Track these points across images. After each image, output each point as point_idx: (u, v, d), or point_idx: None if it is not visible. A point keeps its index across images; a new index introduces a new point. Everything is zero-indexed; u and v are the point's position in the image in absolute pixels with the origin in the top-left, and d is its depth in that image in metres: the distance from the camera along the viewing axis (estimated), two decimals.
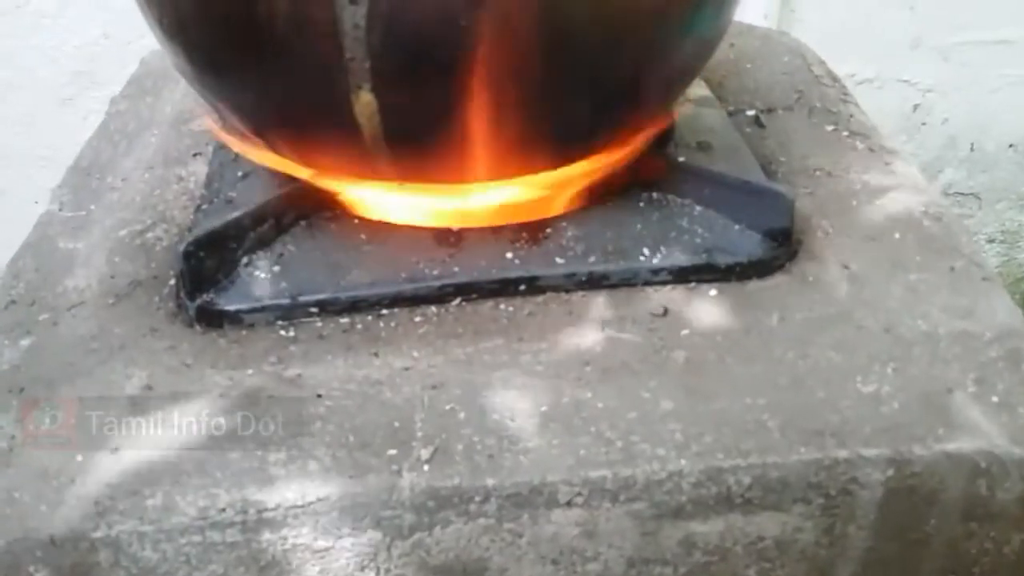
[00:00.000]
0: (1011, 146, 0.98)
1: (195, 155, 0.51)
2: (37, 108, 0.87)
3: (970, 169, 1.00)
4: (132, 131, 0.54)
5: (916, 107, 0.97)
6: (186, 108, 0.54)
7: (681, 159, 0.42)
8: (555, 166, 0.40)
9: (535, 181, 0.41)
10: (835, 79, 0.57)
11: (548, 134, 0.38)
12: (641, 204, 0.43)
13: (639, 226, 0.42)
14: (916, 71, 0.94)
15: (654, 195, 0.43)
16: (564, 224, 0.42)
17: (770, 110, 0.53)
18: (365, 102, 0.34)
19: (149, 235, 0.45)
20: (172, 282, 0.42)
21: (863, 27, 0.91)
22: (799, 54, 0.59)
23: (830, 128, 0.52)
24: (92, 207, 0.47)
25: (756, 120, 0.52)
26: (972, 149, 0.99)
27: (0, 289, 0.43)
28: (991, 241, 1.05)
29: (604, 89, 0.37)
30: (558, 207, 0.42)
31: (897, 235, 0.43)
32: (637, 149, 0.41)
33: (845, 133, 0.51)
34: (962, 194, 1.03)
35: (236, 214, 0.40)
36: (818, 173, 0.48)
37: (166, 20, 0.38)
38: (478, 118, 0.35)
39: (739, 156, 0.45)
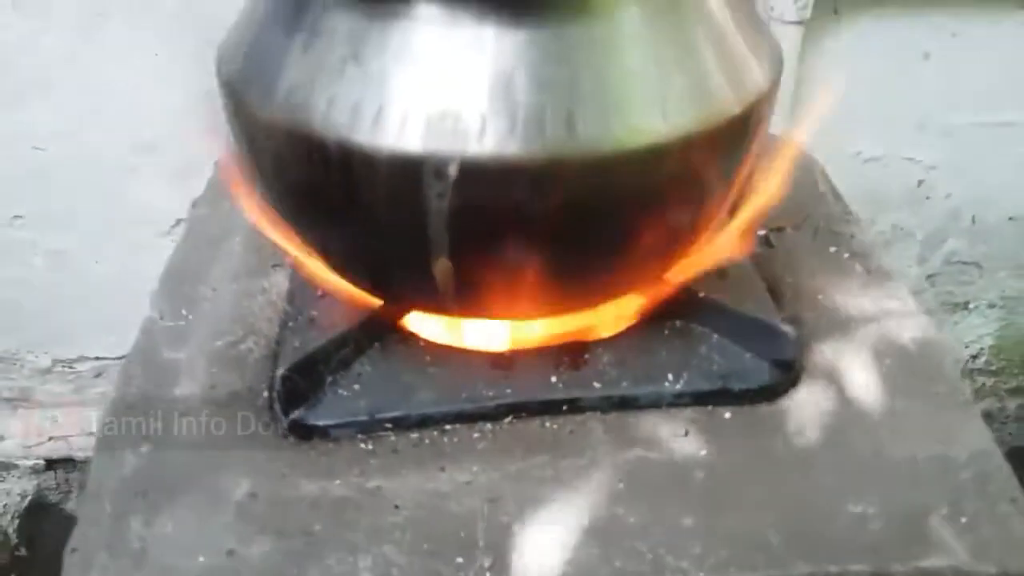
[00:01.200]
0: (1011, 219, 1.04)
1: (274, 266, 0.58)
2: (101, 176, 0.94)
3: (971, 240, 1.05)
4: (215, 237, 0.61)
5: (921, 183, 1.03)
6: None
7: (701, 294, 0.49)
8: (595, 306, 0.48)
9: (578, 316, 0.48)
10: (838, 196, 0.64)
11: (590, 285, 0.46)
12: (666, 331, 0.50)
13: (664, 353, 0.49)
14: (921, 150, 0.99)
15: (677, 323, 0.50)
16: (601, 350, 0.49)
17: (779, 229, 0.60)
18: (442, 266, 0.42)
19: (242, 347, 0.52)
20: (265, 394, 0.49)
21: (872, 110, 0.96)
22: (808, 168, 0.66)
23: (832, 249, 0.59)
24: (189, 316, 0.54)
25: (766, 240, 0.58)
26: (974, 221, 1.05)
27: (116, 394, 0.50)
28: (991, 307, 1.11)
29: (638, 253, 0.44)
30: (596, 334, 0.49)
31: (888, 361, 0.50)
32: (666, 288, 0.49)
33: (846, 255, 0.58)
34: (964, 263, 1.08)
35: (322, 342, 0.47)
36: (820, 297, 0.55)
37: (263, 179, 0.45)
38: (535, 276, 0.42)
39: (751, 284, 0.52)
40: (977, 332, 1.12)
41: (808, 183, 0.65)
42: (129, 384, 0.50)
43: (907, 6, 0.92)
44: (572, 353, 0.49)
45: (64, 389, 1.08)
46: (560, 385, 0.47)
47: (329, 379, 0.48)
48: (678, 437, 0.46)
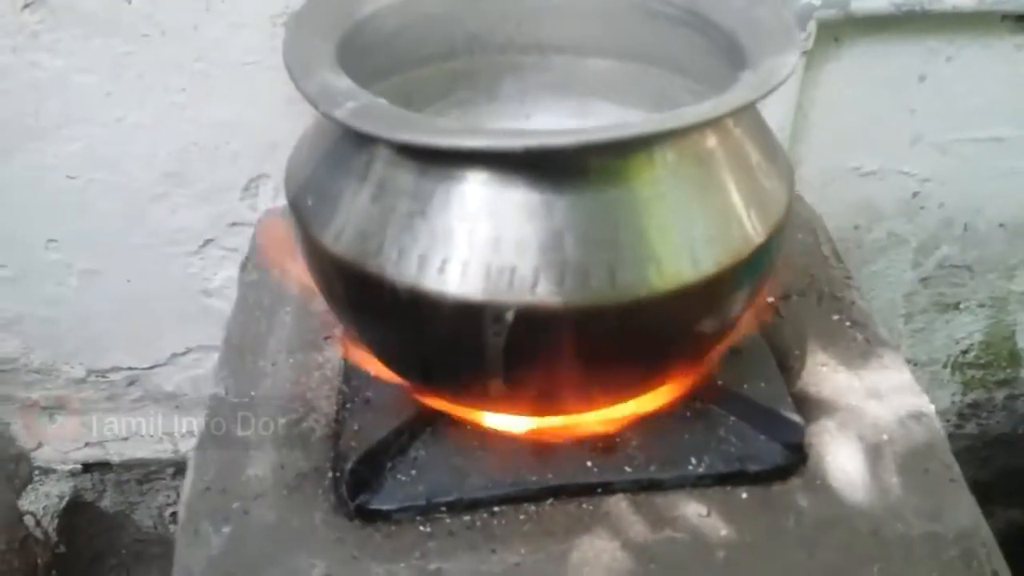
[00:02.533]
0: (1001, 225, 1.09)
1: (326, 338, 0.64)
2: (132, 203, 0.98)
3: (963, 246, 1.11)
4: (268, 306, 0.67)
5: (915, 194, 1.08)
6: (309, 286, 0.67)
7: (720, 381, 0.55)
8: (627, 400, 0.54)
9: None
10: (840, 259, 0.69)
11: (625, 392, 0.51)
12: (688, 415, 0.56)
13: (687, 436, 0.55)
14: (916, 164, 1.04)
15: (697, 405, 0.56)
16: (630, 435, 0.55)
17: (786, 296, 0.65)
18: (495, 384, 0.47)
19: (304, 425, 0.58)
20: (330, 475, 0.55)
21: (869, 128, 1.01)
22: (811, 229, 0.71)
23: (835, 317, 0.64)
24: (252, 393, 0.60)
25: (775, 310, 0.64)
26: (966, 229, 1.10)
27: (195, 474, 0.56)
28: (981, 306, 1.17)
29: (669, 365, 0.50)
30: (625, 421, 0.55)
31: (885, 436, 0.56)
32: (690, 378, 0.55)
33: (848, 323, 0.64)
34: (956, 266, 1.14)
35: (383, 433, 0.53)
36: (824, 368, 0.61)
37: (326, 289, 0.50)
38: (577, 390, 0.48)
39: (762, 361, 0.58)
40: (967, 329, 1.18)
41: (812, 245, 0.70)
42: (206, 465, 0.56)
43: (904, 32, 0.96)
44: (605, 440, 0.54)
45: (98, 397, 1.14)
46: (595, 469, 0.53)
47: (389, 465, 0.53)
48: (701, 517, 0.52)
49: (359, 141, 0.45)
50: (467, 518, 0.52)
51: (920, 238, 1.12)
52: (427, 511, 0.52)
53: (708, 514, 0.52)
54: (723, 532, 0.51)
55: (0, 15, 0.84)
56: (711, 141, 0.45)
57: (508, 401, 0.51)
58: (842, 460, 0.55)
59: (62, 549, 1.15)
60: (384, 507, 0.52)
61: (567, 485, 0.53)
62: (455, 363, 0.48)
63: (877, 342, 0.62)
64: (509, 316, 0.43)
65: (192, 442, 1.11)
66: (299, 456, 0.56)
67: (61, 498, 1.16)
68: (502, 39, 0.61)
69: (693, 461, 0.54)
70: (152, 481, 1.22)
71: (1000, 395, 1.24)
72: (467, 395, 0.52)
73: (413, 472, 0.53)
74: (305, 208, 0.48)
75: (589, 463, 0.54)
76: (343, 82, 0.44)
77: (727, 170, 0.46)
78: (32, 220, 1.00)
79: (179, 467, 1.19)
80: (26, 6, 0.86)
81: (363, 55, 0.53)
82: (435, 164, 0.44)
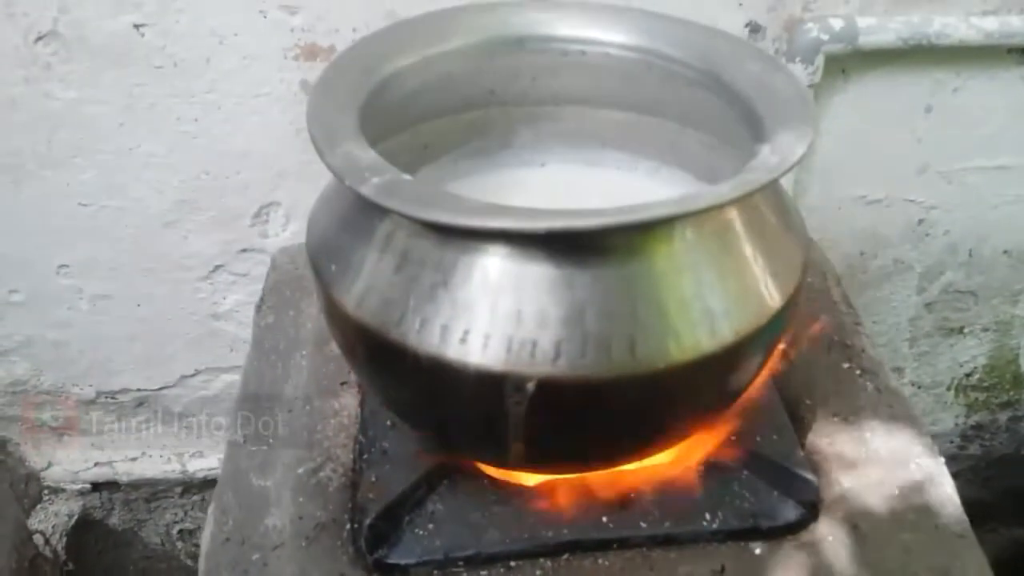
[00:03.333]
0: (1006, 252, 1.11)
1: (343, 384, 0.64)
2: (143, 230, 0.99)
3: (968, 271, 1.12)
4: (284, 351, 0.68)
5: (921, 221, 1.09)
6: (324, 328, 0.67)
7: (733, 436, 0.56)
8: (643, 459, 0.55)
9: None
10: (850, 305, 0.70)
11: (642, 452, 0.52)
12: (702, 469, 0.57)
13: (701, 491, 0.56)
14: (922, 192, 1.05)
15: (711, 460, 0.57)
16: (645, 491, 0.56)
17: (796, 343, 0.66)
18: (516, 449, 0.48)
19: (321, 474, 0.59)
20: (347, 526, 0.56)
21: (875, 157, 1.02)
22: (820, 272, 0.72)
23: (845, 366, 0.65)
24: (270, 440, 0.61)
25: (786, 356, 0.65)
26: (970, 255, 1.11)
27: (215, 525, 0.57)
28: (985, 330, 1.18)
29: (687, 426, 0.51)
30: (641, 477, 0.56)
31: (896, 491, 0.57)
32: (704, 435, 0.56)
33: (858, 372, 0.65)
34: (960, 292, 1.15)
35: (400, 488, 0.54)
36: (835, 419, 0.61)
37: (345, 348, 0.51)
38: (595, 453, 0.49)
39: (774, 414, 0.59)
40: (971, 353, 1.19)
41: (821, 289, 0.71)
42: (225, 515, 0.56)
43: (911, 64, 0.97)
44: (621, 495, 0.55)
45: (107, 418, 1.15)
46: (610, 525, 0.54)
47: (407, 518, 0.54)
48: (715, 573, 0.53)
49: (383, 211, 0.46)
50: (484, 573, 0.53)
51: (925, 264, 1.13)
52: (445, 565, 0.53)
53: (722, 570, 0.53)
54: None
55: (14, 47, 0.85)
56: (729, 214, 0.46)
57: (527, 463, 0.51)
58: (854, 516, 0.56)
59: (71, 567, 1.16)
60: (403, 562, 0.53)
61: (583, 540, 0.54)
62: (475, 428, 0.49)
63: (887, 392, 0.63)
64: (530, 387, 0.44)
65: (200, 463, 1.14)
66: (317, 506, 0.57)
67: (70, 517, 1.17)
68: (517, 93, 0.62)
69: (707, 517, 0.55)
70: (160, 499, 1.23)
71: (1003, 417, 1.26)
72: (486, 456, 0.53)
73: (430, 526, 0.54)
74: (328, 272, 0.49)
75: (604, 518, 0.55)
76: (367, 155, 0.45)
77: (745, 240, 0.47)
78: (44, 246, 1.01)
79: (187, 486, 1.20)
80: (39, 38, 0.87)
81: (383, 112, 0.54)
82: (458, 237, 0.44)
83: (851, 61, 0.94)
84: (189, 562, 1.26)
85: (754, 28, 0.91)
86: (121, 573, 1.24)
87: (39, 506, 1.14)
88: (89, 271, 1.03)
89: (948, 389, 1.23)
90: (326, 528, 0.55)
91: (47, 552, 1.12)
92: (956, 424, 1.25)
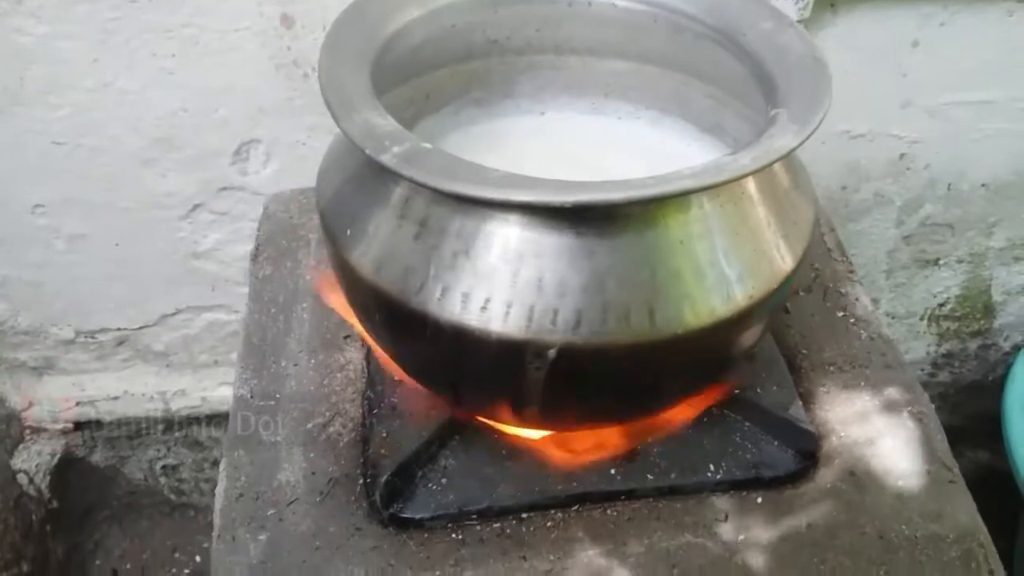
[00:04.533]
0: (983, 185, 1.12)
1: (346, 337, 0.65)
2: (120, 169, 0.97)
3: (946, 204, 1.14)
4: (284, 303, 0.67)
5: (902, 155, 1.10)
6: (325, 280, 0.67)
7: (736, 390, 0.57)
8: (652, 416, 0.56)
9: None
10: (843, 252, 0.71)
11: (654, 411, 0.54)
12: (705, 420, 0.58)
13: (705, 443, 0.57)
14: (904, 127, 1.06)
15: (715, 412, 0.59)
16: (651, 444, 0.57)
17: (794, 292, 0.68)
18: (532, 411, 0.49)
19: (331, 429, 0.59)
20: (360, 482, 0.57)
21: (861, 92, 1.02)
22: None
23: (840, 314, 0.67)
24: (277, 395, 0.61)
25: (784, 307, 0.66)
26: (949, 189, 1.13)
27: (227, 481, 0.57)
28: (959, 262, 1.21)
29: (699, 385, 0.52)
30: (648, 430, 0.57)
31: (889, 440, 0.59)
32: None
33: (851, 320, 0.66)
34: (938, 224, 1.17)
35: (414, 445, 0.55)
36: (831, 368, 0.63)
37: (360, 311, 0.51)
38: (608, 413, 0.51)
39: (773, 365, 0.60)
40: (945, 284, 1.22)
41: (816, 238, 0.72)
42: (237, 471, 0.57)
43: None
44: (627, 446, 0.57)
45: (87, 357, 1.14)
46: (619, 477, 0.56)
47: (420, 473, 0.55)
48: (719, 522, 0.55)
49: (401, 176, 0.45)
50: (496, 525, 0.55)
51: (905, 198, 1.14)
52: (458, 519, 0.54)
53: (725, 519, 0.55)
54: (741, 538, 0.54)
55: None
56: (745, 181, 0.47)
57: (542, 422, 0.52)
58: (850, 464, 0.58)
59: (55, 505, 1.16)
60: (417, 516, 0.54)
61: (592, 492, 0.55)
62: (493, 392, 0.50)
63: (880, 340, 0.65)
64: (551, 354, 0.45)
65: (183, 401, 1.14)
66: (328, 462, 0.57)
67: (53, 455, 1.17)
68: (520, 43, 0.61)
69: (711, 468, 0.56)
70: (142, 436, 1.23)
71: (973, 345, 1.29)
72: (501, 416, 0.54)
73: (443, 481, 0.55)
74: (343, 236, 0.48)
75: (613, 471, 0.56)
76: (386, 122, 0.44)
77: (759, 204, 0.47)
78: (17, 185, 0.99)
79: (168, 424, 1.20)
80: None
81: (388, 66, 0.53)
82: (479, 206, 0.44)
83: None
84: (172, 496, 1.27)
85: None
86: (105, 509, 1.24)
87: (21, 446, 1.14)
88: (64, 211, 1.01)
89: (921, 319, 1.26)
90: (339, 483, 0.56)
91: (31, 491, 1.12)
92: (927, 353, 1.29)
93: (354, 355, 0.63)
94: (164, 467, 1.26)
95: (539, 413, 0.49)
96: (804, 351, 0.64)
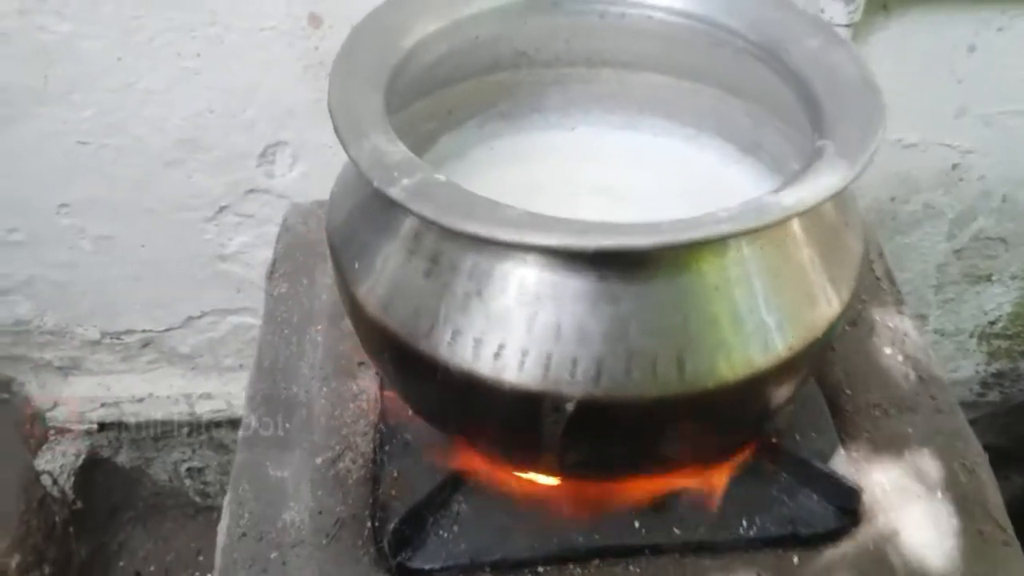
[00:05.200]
0: None
1: (360, 364, 0.61)
2: (146, 169, 0.95)
3: (999, 218, 1.09)
4: (298, 323, 0.64)
5: (955, 166, 1.05)
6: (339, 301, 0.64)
7: (773, 439, 0.53)
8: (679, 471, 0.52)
9: None
10: (892, 281, 0.66)
11: (681, 464, 0.49)
12: (738, 471, 0.54)
13: (738, 495, 0.53)
14: (958, 136, 1.01)
15: (750, 461, 0.54)
16: (679, 495, 0.53)
17: None
18: (550, 459, 0.45)
19: (340, 465, 0.56)
20: (369, 524, 0.54)
21: (913, 100, 0.98)
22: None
23: (888, 351, 0.62)
24: (286, 425, 0.58)
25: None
26: (1004, 201, 1.08)
27: (231, 518, 0.54)
28: (1013, 278, 1.15)
29: (732, 439, 0.48)
30: (676, 479, 0.53)
31: (939, 494, 0.55)
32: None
33: (900, 358, 0.62)
34: (991, 239, 1.12)
35: (426, 489, 0.51)
36: (876, 412, 0.59)
37: (370, 349, 0.48)
38: (631, 467, 0.47)
39: (814, 409, 0.56)
40: (997, 300, 1.17)
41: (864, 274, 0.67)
42: (242, 507, 0.54)
43: (956, 1, 0.91)
44: (652, 497, 0.53)
45: (113, 358, 1.13)
46: (643, 531, 0.52)
47: (431, 519, 0.52)
48: None
49: None
50: None
51: (957, 210, 1.09)
52: (471, 570, 0.51)
53: None
54: None
55: None
56: (788, 222, 0.42)
57: (559, 472, 0.49)
58: (895, 521, 0.53)
59: (79, 505, 1.15)
60: (427, 566, 0.51)
61: (614, 546, 0.52)
62: (507, 440, 0.46)
63: (931, 381, 0.60)
64: (569, 407, 0.41)
65: (208, 404, 1.12)
66: (337, 500, 0.54)
67: (77, 456, 1.16)
68: (549, 55, 0.57)
69: (744, 523, 0.52)
70: (167, 438, 1.21)
71: None
72: (515, 464, 0.50)
73: (455, 528, 0.52)
74: (351, 269, 0.45)
75: (637, 523, 0.52)
76: (396, 149, 0.40)
77: (803, 245, 0.43)
78: (43, 185, 0.98)
79: (194, 427, 1.19)
80: None
81: (407, 81, 0.50)
82: (493, 243, 0.40)
83: None
84: (197, 499, 1.26)
85: None
86: (130, 510, 1.23)
87: (45, 446, 1.13)
88: (90, 211, 1.00)
89: (971, 336, 1.21)
90: (346, 525, 0.53)
91: (55, 492, 1.11)
92: (976, 371, 1.24)
93: (368, 384, 0.60)
94: (189, 469, 1.24)
95: (556, 464, 0.46)
96: (848, 391, 0.59)
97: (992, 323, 1.20)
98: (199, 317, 1.10)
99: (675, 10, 0.53)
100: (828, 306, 0.44)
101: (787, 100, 0.50)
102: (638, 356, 0.40)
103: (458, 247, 0.41)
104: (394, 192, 0.39)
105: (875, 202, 1.06)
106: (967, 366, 1.23)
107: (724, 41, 0.52)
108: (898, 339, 0.63)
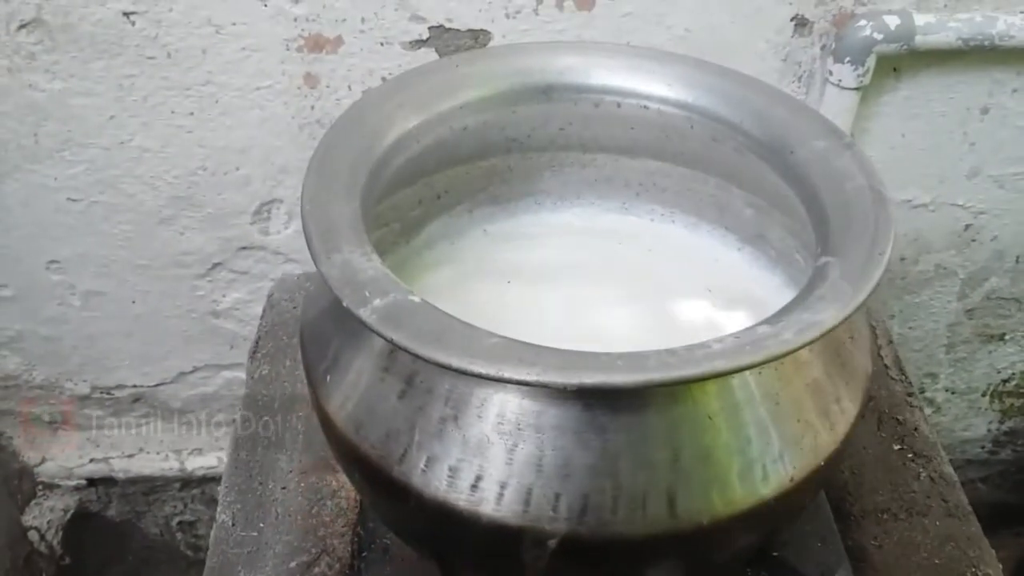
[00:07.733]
0: None
1: None
2: (137, 226, 0.93)
3: (1013, 278, 1.06)
4: (279, 409, 0.62)
5: (968, 227, 1.03)
6: None
7: (775, 553, 0.50)
8: None
9: None
10: (902, 370, 0.63)
11: None
12: None
13: None
14: (971, 197, 0.99)
15: (748, 572, 0.51)
16: None
17: None
18: None
19: (316, 571, 0.53)
20: None
21: (924, 160, 0.95)
22: (869, 326, 0.65)
23: (896, 447, 0.59)
24: (261, 525, 0.55)
25: None
26: (1017, 261, 1.05)
27: None
28: None
29: (725, 569, 0.45)
30: None
31: None
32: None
33: (910, 455, 0.58)
34: (1003, 299, 1.10)
35: None
36: (885, 516, 0.55)
37: (345, 467, 0.45)
38: None
39: (819, 517, 0.53)
40: (1010, 360, 1.15)
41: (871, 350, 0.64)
42: None
43: (969, 63, 0.89)
44: None
45: (103, 413, 1.11)
46: None
47: None
48: None
49: None
50: None
51: (969, 270, 1.07)
52: None
53: None
54: None
55: None
56: None
57: None
58: None
59: (67, 561, 1.13)
60: None
61: None
62: (486, 572, 0.43)
63: (942, 481, 0.57)
64: (552, 544, 0.38)
65: (199, 460, 1.09)
66: None
67: (66, 511, 1.14)
68: (543, 141, 0.55)
69: None
70: (158, 492, 1.19)
71: None
72: None
73: None
74: (323, 383, 0.42)
75: None
76: (370, 265, 0.38)
77: (804, 368, 0.40)
78: (32, 241, 0.96)
79: (185, 482, 1.17)
80: (22, 26, 0.80)
81: (390, 172, 0.47)
82: None
83: (904, 59, 0.86)
84: (189, 552, 1.23)
85: (800, 23, 0.84)
86: (121, 564, 1.21)
87: (33, 502, 1.10)
88: (81, 267, 0.98)
89: (983, 395, 1.19)
90: None
91: (42, 548, 1.08)
92: (989, 430, 1.21)
93: (348, 480, 0.57)
94: (180, 523, 1.22)
95: None
96: (853, 493, 0.56)
97: (1005, 381, 1.18)
98: (191, 372, 1.08)
99: (673, 101, 0.50)
100: (831, 431, 0.41)
101: (791, 199, 0.47)
102: (626, 492, 0.38)
103: (434, 369, 0.39)
104: (364, 314, 0.36)
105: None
106: (979, 424, 1.20)
107: (725, 136, 0.49)
108: (907, 434, 0.60)
